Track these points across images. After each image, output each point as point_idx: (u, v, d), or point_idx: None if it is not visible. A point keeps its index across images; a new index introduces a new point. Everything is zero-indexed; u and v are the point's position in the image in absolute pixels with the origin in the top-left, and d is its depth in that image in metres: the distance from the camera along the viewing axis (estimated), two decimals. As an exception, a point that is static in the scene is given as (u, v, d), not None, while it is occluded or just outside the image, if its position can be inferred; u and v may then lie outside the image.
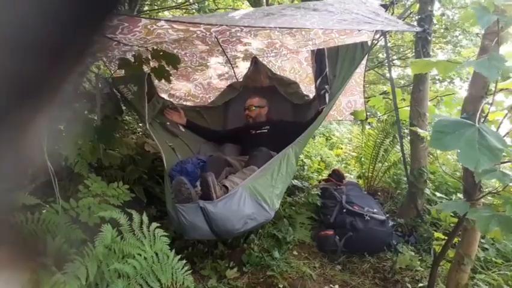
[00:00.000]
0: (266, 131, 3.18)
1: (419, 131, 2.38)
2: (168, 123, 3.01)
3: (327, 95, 2.62)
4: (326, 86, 2.64)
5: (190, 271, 1.81)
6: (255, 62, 3.61)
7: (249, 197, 2.20)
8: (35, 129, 0.38)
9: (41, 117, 0.38)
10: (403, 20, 2.83)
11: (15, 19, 0.30)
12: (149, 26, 2.24)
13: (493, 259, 2.66)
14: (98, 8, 0.36)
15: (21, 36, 0.31)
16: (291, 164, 2.51)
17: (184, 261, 1.76)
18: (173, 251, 1.80)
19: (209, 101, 4.06)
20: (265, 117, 3.36)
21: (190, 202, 2.12)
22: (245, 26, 2.01)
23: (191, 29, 2.06)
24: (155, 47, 2.75)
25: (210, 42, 3.16)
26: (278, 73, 3.73)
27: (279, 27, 1.93)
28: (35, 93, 0.36)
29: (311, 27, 2.32)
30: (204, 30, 2.14)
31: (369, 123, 4.26)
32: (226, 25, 2.09)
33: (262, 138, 3.03)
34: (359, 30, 2.86)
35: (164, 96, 3.91)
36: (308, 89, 3.86)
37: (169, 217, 2.34)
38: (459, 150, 1.32)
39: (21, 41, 0.31)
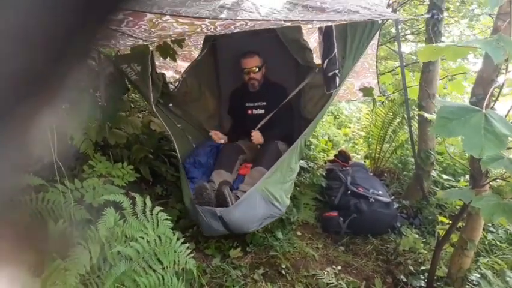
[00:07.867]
0: (263, 111, 2.94)
1: (426, 115, 2.32)
2: (171, 104, 2.95)
3: (337, 78, 2.50)
4: (336, 69, 2.51)
5: (194, 252, 1.84)
6: None
7: (262, 199, 2.25)
8: (40, 115, 0.38)
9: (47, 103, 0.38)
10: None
11: (22, 12, 0.29)
12: (154, 20, 2.20)
13: (498, 243, 2.65)
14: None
15: (27, 30, 0.30)
16: (299, 153, 2.54)
17: (187, 244, 1.78)
18: (177, 233, 1.82)
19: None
20: (263, 80, 2.96)
21: (210, 206, 2.22)
22: (250, 20, 1.95)
23: (195, 22, 2.02)
24: (158, 40, 2.69)
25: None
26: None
27: (285, 20, 1.87)
28: (42, 85, 0.35)
29: (319, 20, 2.22)
30: (209, 24, 2.11)
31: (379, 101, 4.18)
32: (231, 19, 2.04)
33: (259, 121, 2.84)
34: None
35: (171, 72, 3.86)
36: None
37: (188, 211, 2.52)
38: (463, 137, 1.28)
39: (27, 34, 0.30)
